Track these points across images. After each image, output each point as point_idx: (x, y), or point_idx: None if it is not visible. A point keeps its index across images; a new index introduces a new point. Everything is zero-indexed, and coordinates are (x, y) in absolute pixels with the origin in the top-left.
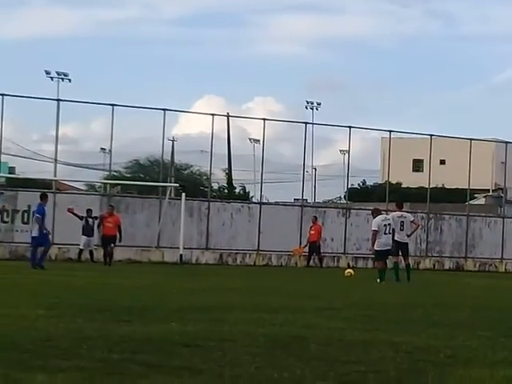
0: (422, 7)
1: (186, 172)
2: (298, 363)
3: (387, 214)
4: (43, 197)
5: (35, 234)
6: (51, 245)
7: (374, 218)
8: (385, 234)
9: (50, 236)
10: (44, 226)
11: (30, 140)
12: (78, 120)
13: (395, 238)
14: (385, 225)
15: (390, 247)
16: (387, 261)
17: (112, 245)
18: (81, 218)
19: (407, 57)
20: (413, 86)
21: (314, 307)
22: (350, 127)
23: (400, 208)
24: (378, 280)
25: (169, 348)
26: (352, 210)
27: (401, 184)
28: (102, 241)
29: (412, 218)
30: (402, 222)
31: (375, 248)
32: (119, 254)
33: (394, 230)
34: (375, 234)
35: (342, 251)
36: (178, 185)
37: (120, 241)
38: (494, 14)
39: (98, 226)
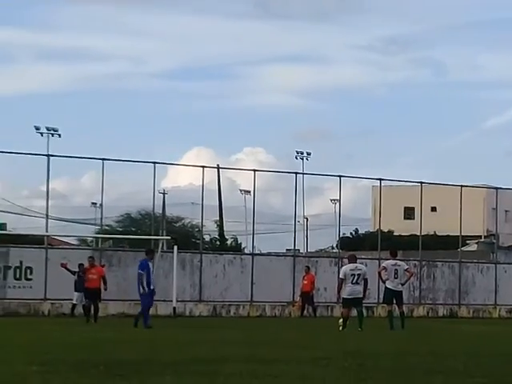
0: (408, 56)
1: (177, 224)
2: None
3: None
4: (149, 252)
5: (146, 290)
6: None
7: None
8: (352, 283)
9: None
10: (145, 284)
11: (20, 196)
12: (68, 175)
13: (389, 287)
14: (352, 274)
15: (354, 296)
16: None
17: (98, 300)
18: (73, 273)
19: (396, 105)
20: (402, 134)
21: (309, 357)
22: (340, 176)
23: (394, 256)
24: (340, 328)
25: None
26: (344, 259)
27: (393, 232)
28: (85, 295)
29: (406, 267)
30: (396, 270)
31: (342, 295)
32: (112, 307)
33: (366, 280)
34: (341, 281)
35: (336, 301)
36: (169, 237)
37: (106, 289)
38: (482, 60)
39: (80, 280)
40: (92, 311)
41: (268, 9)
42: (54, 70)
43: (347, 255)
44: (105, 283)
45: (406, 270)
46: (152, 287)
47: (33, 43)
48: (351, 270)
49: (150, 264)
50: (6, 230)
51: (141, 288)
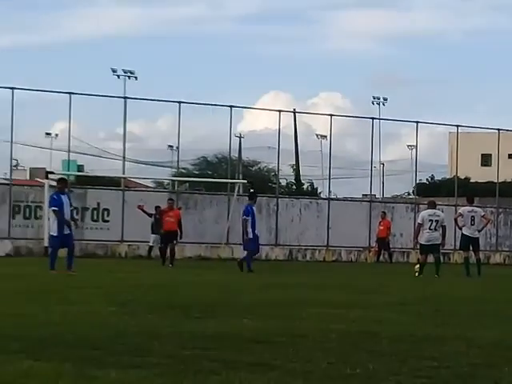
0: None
1: (253, 168)
2: (370, 359)
3: (462, 208)
4: (252, 197)
5: (251, 236)
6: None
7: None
8: (429, 228)
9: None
10: (249, 229)
11: (96, 138)
12: (145, 117)
13: (465, 233)
14: (430, 220)
15: (432, 243)
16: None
17: (174, 241)
18: (150, 215)
19: (473, 51)
20: (480, 80)
21: (385, 302)
22: (417, 122)
23: (471, 202)
24: (416, 274)
25: (241, 344)
26: (421, 205)
27: (469, 179)
28: (162, 238)
29: (483, 213)
30: (473, 216)
31: (419, 241)
32: (189, 250)
33: (444, 226)
34: (419, 227)
35: (412, 246)
36: (246, 181)
37: (181, 237)
38: None
39: (157, 222)
40: (168, 254)
41: None
42: (133, 12)
43: (427, 201)
44: (180, 228)
45: (482, 216)
46: (257, 232)
47: None
48: (429, 215)
49: (254, 209)
50: (83, 171)
51: (246, 233)
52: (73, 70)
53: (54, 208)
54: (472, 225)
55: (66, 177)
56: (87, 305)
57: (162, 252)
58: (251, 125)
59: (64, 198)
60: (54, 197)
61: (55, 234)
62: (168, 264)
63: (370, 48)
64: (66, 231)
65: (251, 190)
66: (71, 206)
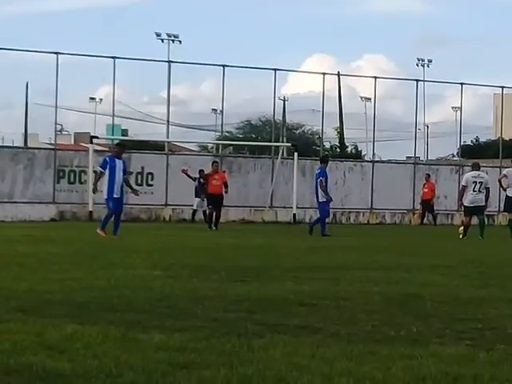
0: None
1: (297, 131)
2: (415, 321)
3: (505, 170)
4: (324, 160)
5: (322, 199)
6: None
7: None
8: (473, 190)
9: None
10: (324, 192)
11: (140, 102)
12: (188, 81)
13: (509, 195)
14: (474, 181)
15: (476, 205)
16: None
17: (220, 206)
18: (194, 179)
19: None
20: None
21: (429, 265)
22: (461, 84)
23: None
24: (461, 236)
25: (285, 307)
26: (465, 167)
27: None
28: (208, 200)
29: None
30: None
31: (463, 203)
32: (233, 214)
33: (488, 188)
34: (463, 189)
35: (456, 209)
36: (290, 144)
37: (226, 192)
38: None
39: (203, 186)
40: (214, 217)
41: None
42: None
43: (471, 163)
44: (226, 187)
45: None
46: (329, 195)
47: None
48: (473, 177)
49: (328, 172)
50: (127, 135)
51: (320, 195)
52: (117, 34)
53: (97, 168)
54: None
55: (122, 142)
56: (132, 269)
57: (208, 215)
58: (295, 88)
59: (118, 162)
60: (106, 159)
61: (105, 197)
62: (213, 227)
63: (413, 8)
64: (117, 195)
65: (325, 153)
66: (125, 173)
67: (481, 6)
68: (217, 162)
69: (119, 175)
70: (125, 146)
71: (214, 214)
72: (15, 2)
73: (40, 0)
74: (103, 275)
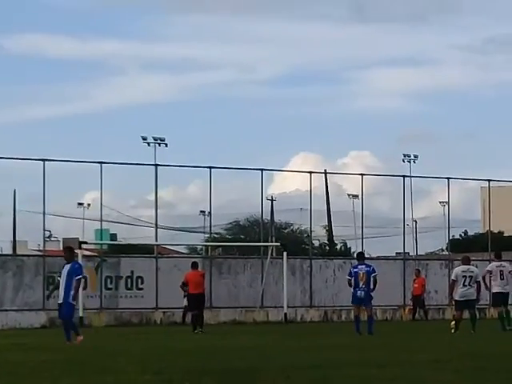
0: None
1: (286, 231)
2: None
3: (493, 263)
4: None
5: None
6: None
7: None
8: (464, 285)
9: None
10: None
11: (128, 206)
12: (175, 184)
13: (495, 290)
14: (464, 276)
15: (467, 299)
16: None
17: (202, 307)
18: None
19: (501, 105)
20: (509, 134)
21: (422, 360)
22: (448, 178)
23: (499, 258)
24: (453, 330)
25: None
26: (455, 261)
27: (503, 233)
28: (189, 302)
29: (510, 268)
30: (502, 271)
31: (454, 298)
32: (224, 315)
33: (478, 282)
34: (453, 283)
35: (447, 303)
36: (279, 244)
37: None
38: None
39: (185, 286)
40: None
41: (363, 12)
42: (161, 80)
43: (460, 257)
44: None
45: (510, 271)
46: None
47: (139, 54)
48: (463, 271)
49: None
50: (116, 240)
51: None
52: (103, 139)
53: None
54: (501, 280)
55: (70, 246)
56: (123, 374)
57: (191, 317)
58: (282, 187)
59: (66, 267)
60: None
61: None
62: (198, 329)
63: (397, 105)
64: (59, 300)
65: (360, 251)
66: (72, 275)
67: (463, 103)
68: (196, 262)
69: (62, 280)
70: (72, 250)
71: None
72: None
73: (25, 107)
74: (94, 381)
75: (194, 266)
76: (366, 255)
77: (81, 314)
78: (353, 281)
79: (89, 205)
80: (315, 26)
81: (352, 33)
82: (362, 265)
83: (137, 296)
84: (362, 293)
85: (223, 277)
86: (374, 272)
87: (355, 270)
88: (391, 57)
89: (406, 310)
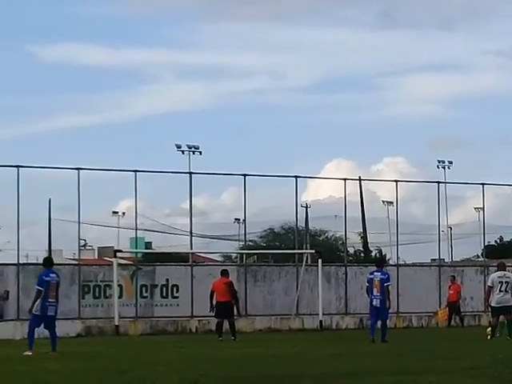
0: None
1: (320, 238)
2: None
3: None
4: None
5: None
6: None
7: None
8: (500, 290)
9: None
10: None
11: (161, 214)
12: (208, 191)
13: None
14: (500, 282)
15: (503, 305)
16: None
17: (232, 315)
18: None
19: None
20: None
21: (458, 367)
22: (482, 184)
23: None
24: (489, 337)
25: None
26: (490, 268)
27: None
28: (217, 310)
29: None
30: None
31: (490, 304)
32: (259, 323)
33: None
34: (489, 289)
35: (483, 309)
36: (314, 251)
37: (238, 311)
38: None
39: (212, 295)
40: (223, 327)
41: (391, 18)
42: (194, 88)
43: (496, 263)
44: (236, 300)
45: None
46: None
47: (173, 62)
48: (499, 277)
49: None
50: (151, 248)
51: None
52: (137, 147)
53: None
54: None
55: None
56: (160, 382)
57: (217, 324)
58: (315, 194)
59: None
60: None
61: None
62: (231, 337)
63: (431, 111)
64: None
65: (379, 257)
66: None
67: (497, 108)
68: (226, 270)
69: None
70: (49, 259)
71: (228, 323)
72: (34, 120)
73: (59, 116)
74: None
75: (223, 273)
76: (401, 262)
77: (116, 323)
78: (369, 288)
79: (123, 213)
80: (345, 32)
81: (382, 39)
82: (378, 272)
83: (172, 304)
84: (378, 301)
85: (258, 284)
86: (388, 281)
87: (371, 276)
88: (423, 63)
89: (439, 314)
